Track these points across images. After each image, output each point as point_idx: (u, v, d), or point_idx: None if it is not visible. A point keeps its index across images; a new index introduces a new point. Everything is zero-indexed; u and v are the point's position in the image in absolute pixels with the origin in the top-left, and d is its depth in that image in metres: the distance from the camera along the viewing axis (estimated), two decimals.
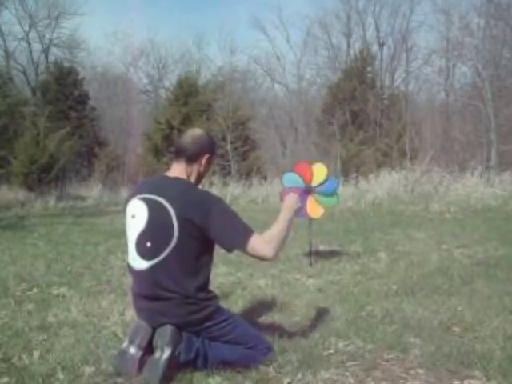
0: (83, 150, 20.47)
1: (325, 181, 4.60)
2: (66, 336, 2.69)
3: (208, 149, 2.30)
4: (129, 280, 2.38)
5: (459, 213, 9.36)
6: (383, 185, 12.12)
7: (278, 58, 28.36)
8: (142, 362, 2.08)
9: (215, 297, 2.25)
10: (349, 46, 25.67)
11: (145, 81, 30.53)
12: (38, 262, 4.99)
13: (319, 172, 4.61)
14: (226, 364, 2.16)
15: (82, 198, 14.55)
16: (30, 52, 25.31)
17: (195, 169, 2.27)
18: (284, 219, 2.24)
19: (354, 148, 17.80)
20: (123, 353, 2.13)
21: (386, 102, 21.73)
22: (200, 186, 2.35)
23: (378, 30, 25.23)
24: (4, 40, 24.56)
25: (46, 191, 14.13)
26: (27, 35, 25.16)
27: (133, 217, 2.21)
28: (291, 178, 4.66)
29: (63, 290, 3.81)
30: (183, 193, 2.16)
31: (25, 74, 24.71)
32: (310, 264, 4.73)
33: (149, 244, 2.15)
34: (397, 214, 9.57)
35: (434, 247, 5.63)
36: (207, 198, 2.19)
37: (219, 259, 4.51)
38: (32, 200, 13.13)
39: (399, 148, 17.45)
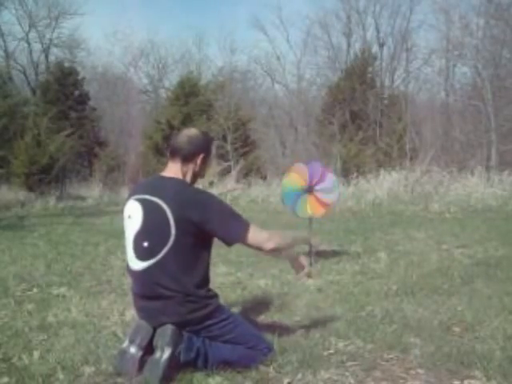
0: (83, 150, 20.47)
1: (329, 186, 4.68)
2: (66, 336, 2.69)
3: (203, 148, 2.31)
4: (129, 280, 2.38)
5: (459, 213, 9.36)
6: (383, 185, 12.12)
7: (277, 58, 28.39)
8: (142, 362, 2.08)
9: (215, 295, 2.25)
10: (349, 45, 25.67)
11: (145, 81, 30.58)
12: (37, 262, 4.99)
13: (329, 179, 4.70)
14: (226, 364, 2.15)
15: (82, 198, 14.55)
16: (30, 52, 25.35)
17: (191, 168, 2.27)
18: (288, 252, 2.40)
19: (354, 148, 17.78)
20: (123, 353, 2.13)
21: (385, 102, 21.74)
22: (201, 186, 2.36)
23: (378, 30, 25.24)
24: (4, 40, 24.60)
25: (46, 191, 14.12)
26: (27, 35, 25.20)
27: (129, 217, 2.23)
28: (291, 196, 4.72)
29: (63, 290, 3.81)
30: (179, 192, 2.17)
31: (25, 74, 24.73)
32: (310, 264, 4.72)
33: (146, 244, 2.15)
34: (397, 214, 9.57)
35: (434, 247, 5.63)
36: (203, 195, 2.22)
37: (219, 259, 4.52)
38: (32, 200, 13.13)
39: (399, 148, 17.45)
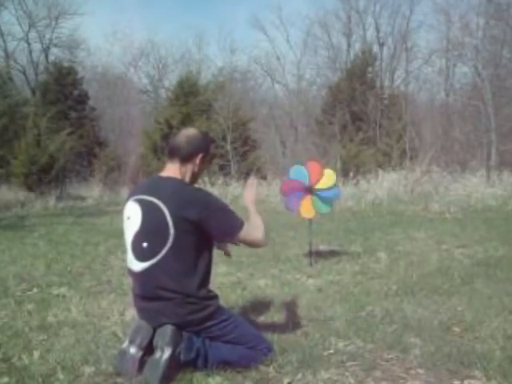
0: (83, 150, 20.45)
1: (330, 187, 4.65)
2: (66, 336, 2.70)
3: (202, 148, 2.30)
4: (129, 280, 2.38)
5: (459, 213, 9.35)
6: (383, 185, 12.12)
7: (277, 58, 28.39)
8: (142, 362, 2.08)
9: (216, 296, 2.25)
10: (349, 45, 25.69)
11: (145, 81, 30.58)
12: (38, 262, 4.99)
13: (328, 177, 4.66)
14: (226, 364, 2.15)
15: (82, 198, 14.55)
16: (30, 52, 25.35)
17: (189, 168, 2.27)
18: (255, 213, 2.37)
19: (354, 148, 17.79)
20: (123, 353, 2.13)
21: (385, 102, 21.74)
22: (202, 186, 2.37)
23: (378, 29, 25.25)
24: (4, 40, 24.59)
25: (46, 191, 14.13)
26: (27, 35, 25.19)
27: (128, 218, 2.22)
28: (299, 172, 4.67)
29: (63, 290, 3.81)
30: (176, 191, 2.16)
31: (25, 74, 24.72)
32: (310, 264, 4.73)
33: (145, 245, 2.15)
34: (397, 214, 9.57)
35: (434, 247, 5.63)
36: (200, 193, 2.21)
37: (219, 259, 4.50)
38: (32, 200, 13.13)
39: (399, 148, 17.46)
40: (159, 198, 2.14)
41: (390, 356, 2.38)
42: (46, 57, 25.61)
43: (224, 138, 17.71)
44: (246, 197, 2.50)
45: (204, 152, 2.30)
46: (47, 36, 25.54)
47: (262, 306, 3.33)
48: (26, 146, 15.03)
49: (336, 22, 26.06)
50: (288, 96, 27.31)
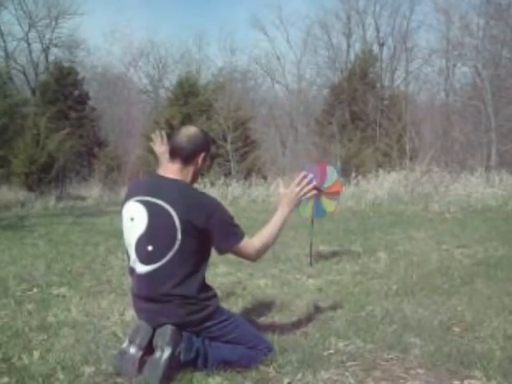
0: (83, 150, 20.48)
1: (334, 184, 4.67)
2: (66, 336, 2.69)
3: (204, 147, 2.28)
4: (129, 280, 2.37)
5: (459, 213, 9.35)
6: (383, 185, 12.12)
7: (278, 58, 28.44)
8: (142, 362, 2.08)
9: (215, 295, 2.24)
10: (349, 45, 25.74)
11: (145, 81, 30.63)
12: (38, 262, 4.99)
13: (331, 175, 4.69)
14: (226, 364, 2.15)
15: (82, 198, 14.54)
16: (30, 52, 25.38)
17: (191, 168, 2.25)
18: (281, 219, 2.28)
19: (354, 148, 17.80)
20: (123, 353, 2.12)
21: (385, 102, 21.75)
22: (202, 186, 2.36)
23: (378, 29, 25.29)
24: (4, 40, 24.61)
25: (46, 191, 14.13)
26: (27, 35, 25.23)
27: (131, 220, 2.18)
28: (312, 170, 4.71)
29: (63, 290, 3.81)
30: (185, 196, 2.14)
31: (25, 74, 24.74)
32: (310, 264, 4.73)
33: (150, 248, 2.13)
34: (397, 214, 9.56)
35: (434, 247, 5.63)
36: (208, 200, 2.18)
37: (219, 259, 4.50)
38: (32, 200, 13.12)
39: (399, 148, 17.47)
40: (167, 202, 2.11)
41: (390, 356, 2.38)
42: (46, 57, 25.63)
43: (224, 138, 17.70)
44: (287, 194, 2.32)
45: (206, 151, 2.28)
46: (47, 36, 25.63)
47: (262, 306, 3.32)
48: (26, 146, 15.03)
49: (336, 22, 26.14)
50: (288, 96, 27.35)
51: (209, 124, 17.55)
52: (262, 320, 2.99)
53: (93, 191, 15.38)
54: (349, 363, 2.29)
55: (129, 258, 2.24)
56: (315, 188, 4.40)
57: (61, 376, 2.15)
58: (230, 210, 2.31)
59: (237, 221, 2.24)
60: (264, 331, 2.56)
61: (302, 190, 2.33)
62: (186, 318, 2.12)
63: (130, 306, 2.42)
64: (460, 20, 19.31)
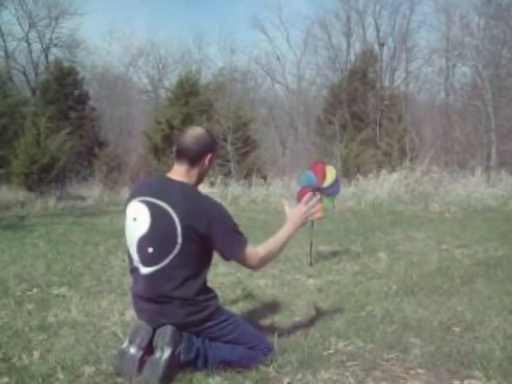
0: (83, 150, 20.46)
1: (334, 182, 4.66)
2: (66, 336, 2.69)
3: (210, 148, 2.26)
4: (129, 280, 2.37)
5: (459, 213, 9.35)
6: (383, 185, 12.11)
7: (278, 58, 28.45)
8: (142, 362, 2.08)
9: (215, 296, 2.24)
10: (349, 45, 25.71)
11: (145, 81, 30.63)
12: (38, 262, 4.99)
13: (330, 173, 4.67)
14: (226, 364, 2.15)
15: (82, 198, 14.53)
16: (30, 52, 25.38)
17: (197, 169, 2.24)
18: (286, 235, 2.29)
19: (355, 148, 17.80)
20: (123, 353, 2.12)
21: (386, 102, 21.75)
22: (202, 186, 2.35)
23: (378, 29, 25.27)
24: (4, 40, 24.61)
25: (46, 191, 14.11)
26: (27, 35, 25.23)
27: (134, 220, 2.18)
28: (308, 178, 4.69)
29: (63, 290, 3.81)
30: (188, 200, 2.12)
31: (25, 74, 24.74)
32: (310, 264, 4.73)
33: (151, 250, 2.13)
34: (397, 214, 9.56)
35: (434, 247, 5.62)
36: (210, 206, 2.16)
37: (219, 259, 4.51)
38: (32, 200, 13.11)
39: (399, 148, 17.47)
40: (170, 205, 2.10)
41: (390, 356, 2.38)
42: (46, 57, 25.64)
43: (225, 139, 17.71)
44: (294, 212, 2.32)
45: (212, 152, 2.27)
46: (47, 36, 25.63)
47: (262, 306, 3.33)
48: (26, 146, 15.02)
49: (336, 22, 26.12)
50: (288, 96, 27.37)
51: (209, 124, 17.53)
52: (262, 320, 2.99)
53: (93, 191, 15.37)
54: (349, 363, 2.29)
55: (129, 257, 2.24)
56: (317, 189, 4.38)
57: (61, 376, 2.15)
58: (230, 210, 2.31)
59: (238, 222, 2.23)
60: (264, 331, 2.56)
61: (309, 209, 2.34)
62: (185, 319, 2.12)
63: (130, 305, 2.42)
64: (460, 20, 19.34)
